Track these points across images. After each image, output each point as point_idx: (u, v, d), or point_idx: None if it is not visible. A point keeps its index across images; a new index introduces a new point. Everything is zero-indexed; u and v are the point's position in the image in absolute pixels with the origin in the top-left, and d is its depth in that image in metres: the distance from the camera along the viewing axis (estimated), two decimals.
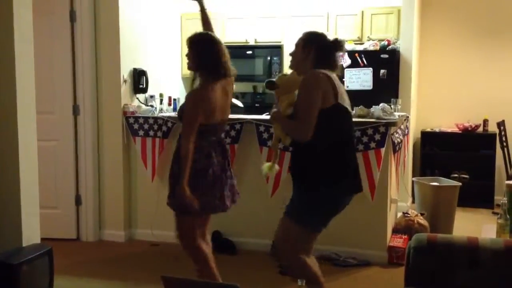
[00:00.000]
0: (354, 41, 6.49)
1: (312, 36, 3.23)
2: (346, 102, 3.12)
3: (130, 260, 4.84)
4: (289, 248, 3.13)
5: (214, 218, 5.02)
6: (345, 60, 5.99)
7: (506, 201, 4.13)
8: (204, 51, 3.50)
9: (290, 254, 3.13)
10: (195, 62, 3.51)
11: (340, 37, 5.53)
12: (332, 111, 3.02)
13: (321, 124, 3.00)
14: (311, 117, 2.98)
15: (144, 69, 5.48)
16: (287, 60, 6.73)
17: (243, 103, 6.12)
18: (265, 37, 6.95)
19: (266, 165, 3.39)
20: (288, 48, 6.68)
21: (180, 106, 3.74)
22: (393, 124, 4.61)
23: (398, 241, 4.81)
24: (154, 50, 5.91)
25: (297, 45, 3.24)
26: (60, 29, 5.16)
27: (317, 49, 3.16)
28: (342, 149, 3.10)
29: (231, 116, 4.99)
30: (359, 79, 6.17)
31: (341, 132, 3.11)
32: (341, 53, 3.25)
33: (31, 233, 3.84)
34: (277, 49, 6.85)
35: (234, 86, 3.72)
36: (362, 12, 6.57)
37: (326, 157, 3.05)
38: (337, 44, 3.18)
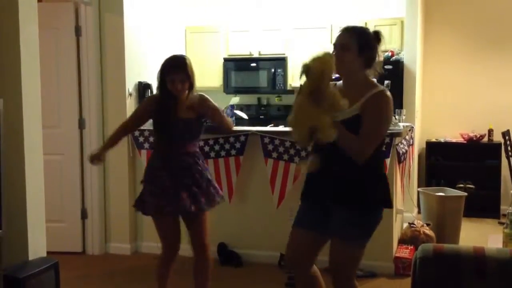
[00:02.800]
0: None
1: (366, 37, 2.84)
2: None
3: (136, 273, 4.83)
4: (349, 273, 2.91)
5: (219, 230, 5.04)
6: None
7: None
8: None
9: (351, 279, 2.91)
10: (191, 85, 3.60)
11: None
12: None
13: (382, 141, 2.94)
14: (378, 141, 2.80)
15: (149, 82, 5.51)
16: (291, 72, 6.78)
17: (247, 115, 6.14)
18: (269, 50, 6.98)
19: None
20: (292, 60, 6.75)
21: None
22: (398, 134, 4.62)
23: (404, 252, 4.80)
24: (159, 63, 5.91)
25: (347, 47, 2.81)
26: (66, 43, 5.20)
27: (370, 51, 2.84)
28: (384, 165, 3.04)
29: (237, 128, 5.04)
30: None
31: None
32: None
33: (37, 246, 3.85)
34: (281, 61, 6.88)
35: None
36: (366, 23, 6.58)
37: (383, 176, 2.93)
38: (380, 38, 2.88)
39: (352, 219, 2.81)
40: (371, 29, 6.74)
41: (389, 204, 2.93)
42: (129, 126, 3.85)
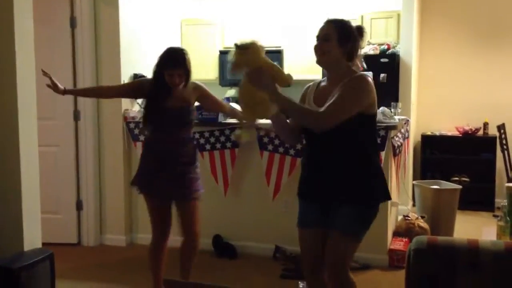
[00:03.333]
0: None
1: (346, 28, 2.84)
2: None
3: (131, 264, 4.84)
4: (345, 265, 2.89)
5: (214, 222, 5.05)
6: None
7: (506, 204, 4.14)
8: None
9: (346, 272, 2.89)
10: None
11: None
12: (375, 118, 2.93)
13: (372, 133, 2.92)
14: (338, 115, 2.69)
15: (145, 74, 5.49)
16: (287, 64, 6.77)
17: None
18: (265, 42, 6.91)
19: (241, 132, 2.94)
20: (288, 53, 6.74)
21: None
22: (393, 127, 4.63)
23: (399, 244, 4.82)
24: (154, 55, 5.90)
25: (328, 37, 2.80)
26: (61, 35, 5.18)
27: (352, 42, 2.83)
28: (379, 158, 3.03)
29: (231, 120, 5.04)
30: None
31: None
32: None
33: (32, 238, 3.85)
34: (276, 54, 6.85)
35: None
36: (362, 16, 6.59)
37: (379, 170, 2.91)
38: (361, 32, 2.90)
39: (352, 215, 2.81)
40: (368, 22, 6.79)
41: (388, 196, 2.94)
42: (110, 90, 4.14)
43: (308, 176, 2.93)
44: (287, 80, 2.77)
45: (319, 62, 2.86)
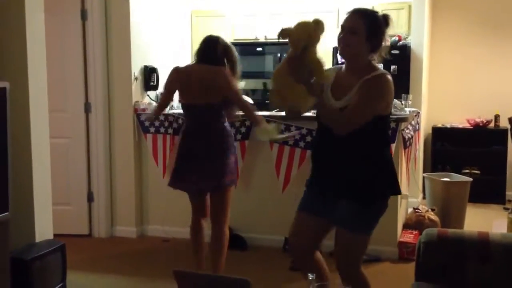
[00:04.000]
0: None
1: (376, 21, 2.73)
2: None
3: (142, 256, 4.87)
4: (357, 262, 2.89)
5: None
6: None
7: None
8: None
9: (358, 267, 2.89)
10: None
11: None
12: (389, 116, 2.92)
13: (386, 130, 2.92)
14: (361, 118, 2.68)
15: (155, 66, 5.51)
16: None
17: (253, 100, 6.12)
18: (274, 34, 6.87)
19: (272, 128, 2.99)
20: None
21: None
22: (404, 119, 4.61)
23: (409, 237, 4.81)
24: (164, 47, 5.93)
25: (355, 31, 2.70)
26: (72, 28, 5.19)
27: (379, 36, 2.74)
28: (390, 152, 3.01)
29: (242, 112, 5.03)
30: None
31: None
32: None
33: (44, 229, 3.89)
34: (287, 46, 6.75)
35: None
36: (373, 7, 6.50)
37: (390, 163, 2.88)
38: (388, 22, 2.78)
39: (361, 211, 2.79)
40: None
41: (397, 190, 2.91)
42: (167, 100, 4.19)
43: (317, 169, 2.93)
44: (324, 79, 2.72)
45: (342, 54, 2.80)
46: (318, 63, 2.69)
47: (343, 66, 2.91)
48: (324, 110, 2.77)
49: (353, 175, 2.77)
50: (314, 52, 2.70)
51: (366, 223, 2.83)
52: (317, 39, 2.70)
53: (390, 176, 2.88)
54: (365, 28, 2.69)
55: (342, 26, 2.77)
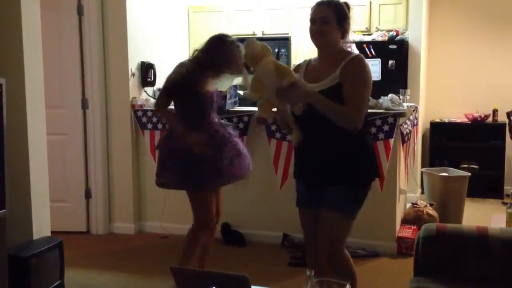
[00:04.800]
0: (362, 32, 6.46)
1: (343, 9, 2.84)
2: None
3: (140, 253, 4.86)
4: (340, 245, 2.91)
5: (224, 210, 5.06)
6: (353, 51, 5.96)
7: None
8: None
9: (341, 251, 2.91)
10: None
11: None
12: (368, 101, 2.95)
13: (365, 116, 2.92)
14: (365, 106, 2.79)
15: (152, 62, 5.49)
16: (294, 51, 6.74)
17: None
18: (272, 29, 6.93)
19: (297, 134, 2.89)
20: (296, 40, 6.70)
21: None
22: (402, 114, 4.60)
23: (407, 232, 4.81)
24: (161, 43, 5.91)
25: (327, 20, 2.80)
26: (68, 23, 5.17)
27: (347, 22, 2.85)
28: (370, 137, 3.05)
29: (240, 108, 5.02)
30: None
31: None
32: None
33: (42, 226, 3.87)
34: (284, 41, 6.82)
35: None
36: (370, 2, 6.53)
37: (371, 148, 2.96)
38: (349, 7, 2.92)
39: (346, 195, 2.84)
40: (376, 7, 6.72)
41: (377, 174, 3.00)
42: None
43: (300, 159, 2.97)
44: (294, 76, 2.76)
45: (318, 45, 2.87)
46: (283, 68, 2.78)
47: (312, 58, 3.00)
48: (325, 109, 2.73)
49: (337, 161, 2.82)
50: (271, 61, 2.77)
51: (353, 205, 2.88)
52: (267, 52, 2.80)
53: (373, 160, 2.96)
54: (334, 15, 2.80)
55: (313, 19, 2.85)
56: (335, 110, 2.72)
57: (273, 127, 4.78)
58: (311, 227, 3.00)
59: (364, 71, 2.79)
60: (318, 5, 2.88)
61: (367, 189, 2.90)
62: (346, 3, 2.89)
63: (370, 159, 2.92)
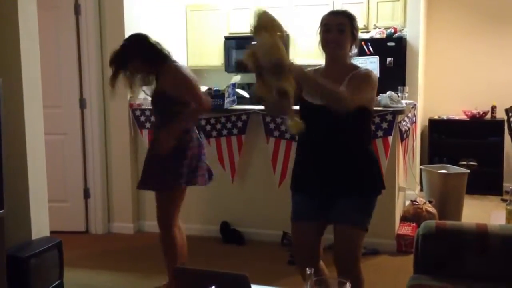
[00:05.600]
0: (360, 29, 6.42)
1: (355, 19, 2.84)
2: None
3: (139, 252, 4.85)
4: (358, 258, 2.88)
5: (222, 209, 5.06)
6: (352, 49, 5.95)
7: None
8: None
9: (359, 266, 2.88)
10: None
11: None
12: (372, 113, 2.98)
13: (370, 125, 3.00)
14: (361, 98, 2.69)
15: None
16: (292, 49, 6.72)
17: (249, 93, 6.11)
18: None
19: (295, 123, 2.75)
20: (294, 38, 6.68)
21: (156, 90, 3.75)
22: (400, 112, 4.60)
23: (407, 229, 4.81)
24: (159, 42, 5.88)
25: (344, 29, 2.76)
26: (65, 22, 5.16)
27: (358, 32, 2.85)
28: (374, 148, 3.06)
29: (238, 106, 5.02)
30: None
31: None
32: None
33: (40, 226, 3.86)
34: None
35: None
36: (368, 0, 6.53)
37: (375, 159, 2.95)
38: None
39: (357, 206, 2.80)
40: (374, 5, 6.72)
41: (383, 186, 2.95)
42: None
43: (306, 172, 2.89)
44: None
45: (332, 54, 2.81)
46: (278, 47, 2.57)
47: (319, 68, 2.92)
48: (321, 91, 2.67)
49: (350, 174, 2.78)
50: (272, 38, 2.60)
51: (364, 217, 2.83)
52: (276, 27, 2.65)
53: (379, 172, 2.93)
54: (350, 25, 2.77)
55: (327, 27, 2.78)
56: (326, 88, 2.63)
57: (272, 126, 4.78)
58: (310, 242, 2.91)
59: (370, 76, 2.76)
60: (333, 13, 2.87)
61: (375, 199, 2.87)
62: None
63: (377, 171, 2.90)
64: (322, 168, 2.81)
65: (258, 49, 2.57)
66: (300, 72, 2.61)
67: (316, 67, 2.95)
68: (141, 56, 3.64)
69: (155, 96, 3.71)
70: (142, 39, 3.73)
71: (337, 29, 2.75)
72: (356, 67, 2.83)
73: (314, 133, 2.74)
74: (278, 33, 2.62)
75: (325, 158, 2.80)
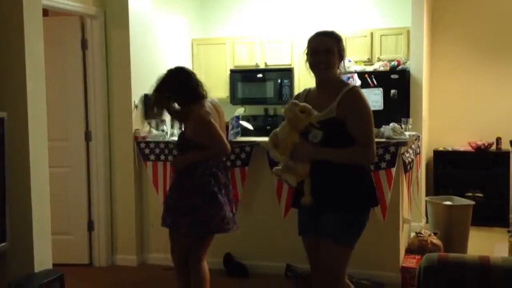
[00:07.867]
0: (364, 62, 6.51)
1: (341, 38, 2.95)
2: None
3: (143, 285, 4.83)
4: (339, 275, 2.92)
5: (226, 241, 5.04)
6: (355, 81, 6.00)
7: None
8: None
9: (343, 278, 2.93)
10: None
11: (351, 58, 5.50)
12: None
13: None
14: (373, 137, 2.87)
15: None
16: (297, 82, 6.79)
17: (254, 125, 6.14)
18: (275, 60, 6.99)
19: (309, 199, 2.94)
20: (299, 71, 6.75)
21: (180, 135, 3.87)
22: (404, 143, 4.60)
23: (411, 262, 4.75)
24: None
25: (331, 51, 2.87)
26: (72, 57, 5.23)
27: (344, 52, 2.96)
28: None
29: (242, 138, 5.04)
30: (369, 99, 6.18)
31: None
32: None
33: (43, 258, 3.86)
34: (287, 72, 6.88)
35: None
36: (372, 33, 6.60)
37: (367, 175, 3.00)
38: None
39: (342, 222, 2.86)
40: (377, 38, 6.79)
41: (375, 202, 3.01)
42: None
43: (301, 188, 2.96)
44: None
45: (321, 75, 2.91)
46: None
47: (311, 88, 3.04)
48: (336, 159, 2.84)
49: (335, 189, 2.86)
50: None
51: (350, 235, 2.89)
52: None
53: (370, 189, 2.97)
54: (336, 46, 2.89)
55: (315, 49, 2.89)
56: (346, 155, 2.82)
57: None
58: (313, 254, 3.03)
59: (363, 104, 2.85)
60: (319, 35, 2.94)
61: (363, 218, 2.91)
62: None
63: (366, 188, 2.93)
64: (311, 184, 2.89)
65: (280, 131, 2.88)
66: (314, 155, 2.81)
67: (309, 89, 3.06)
68: (171, 93, 3.78)
69: (181, 137, 3.80)
70: (178, 74, 3.87)
71: (325, 51, 2.86)
72: (342, 85, 2.90)
73: None
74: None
75: (314, 175, 2.87)
